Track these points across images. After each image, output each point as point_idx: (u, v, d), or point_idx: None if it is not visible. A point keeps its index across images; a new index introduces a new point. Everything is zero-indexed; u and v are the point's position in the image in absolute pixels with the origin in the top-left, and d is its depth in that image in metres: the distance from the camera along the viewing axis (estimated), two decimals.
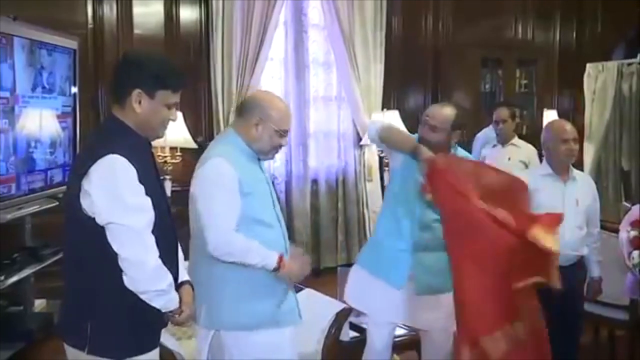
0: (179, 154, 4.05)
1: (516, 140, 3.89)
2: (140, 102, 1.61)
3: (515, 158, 3.79)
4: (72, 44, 3.39)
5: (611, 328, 3.19)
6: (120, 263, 1.56)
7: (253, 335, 1.94)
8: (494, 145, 3.94)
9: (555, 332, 2.42)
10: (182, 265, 1.84)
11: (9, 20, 2.85)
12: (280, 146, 2.03)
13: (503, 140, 3.88)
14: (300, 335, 2.08)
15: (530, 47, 5.72)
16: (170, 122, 1.72)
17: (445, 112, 2.28)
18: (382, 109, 4.86)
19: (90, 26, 3.92)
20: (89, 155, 1.58)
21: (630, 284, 2.80)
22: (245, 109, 2.02)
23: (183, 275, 1.80)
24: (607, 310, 3.01)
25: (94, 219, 1.56)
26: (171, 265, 1.67)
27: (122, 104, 1.63)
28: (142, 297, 1.59)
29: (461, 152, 2.42)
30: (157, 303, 1.62)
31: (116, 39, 3.98)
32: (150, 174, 1.66)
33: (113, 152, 1.55)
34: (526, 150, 3.86)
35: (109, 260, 1.56)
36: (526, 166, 3.76)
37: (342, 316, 2.49)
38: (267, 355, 1.95)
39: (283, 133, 2.00)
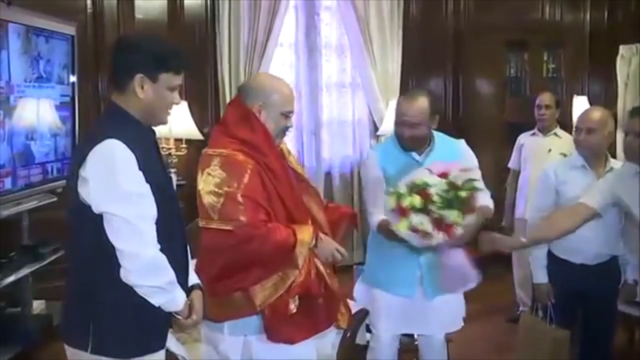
0: (184, 145, 3.98)
1: (558, 130, 3.64)
2: (143, 87, 1.58)
3: (556, 150, 3.52)
4: (70, 29, 3.38)
5: None
6: (117, 254, 1.52)
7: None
8: (533, 134, 3.69)
9: (587, 334, 2.42)
10: (191, 265, 1.79)
11: (3, 6, 2.83)
12: (287, 128, 2.02)
13: (544, 128, 3.63)
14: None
15: (558, 29, 5.49)
16: (175, 113, 1.68)
17: (420, 104, 2.25)
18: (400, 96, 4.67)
19: (89, 11, 3.88)
20: (87, 142, 1.55)
21: None
22: (245, 96, 1.98)
23: (193, 278, 1.76)
24: None
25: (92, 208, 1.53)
26: (177, 263, 1.62)
27: (123, 90, 1.60)
28: (138, 291, 1.54)
29: (442, 138, 2.36)
30: (155, 300, 1.56)
31: (117, 25, 3.93)
32: (153, 163, 1.61)
33: (111, 137, 1.51)
34: (569, 141, 3.57)
35: (111, 254, 1.51)
36: None
37: (358, 319, 2.38)
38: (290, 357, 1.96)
39: (288, 114, 2.00)
